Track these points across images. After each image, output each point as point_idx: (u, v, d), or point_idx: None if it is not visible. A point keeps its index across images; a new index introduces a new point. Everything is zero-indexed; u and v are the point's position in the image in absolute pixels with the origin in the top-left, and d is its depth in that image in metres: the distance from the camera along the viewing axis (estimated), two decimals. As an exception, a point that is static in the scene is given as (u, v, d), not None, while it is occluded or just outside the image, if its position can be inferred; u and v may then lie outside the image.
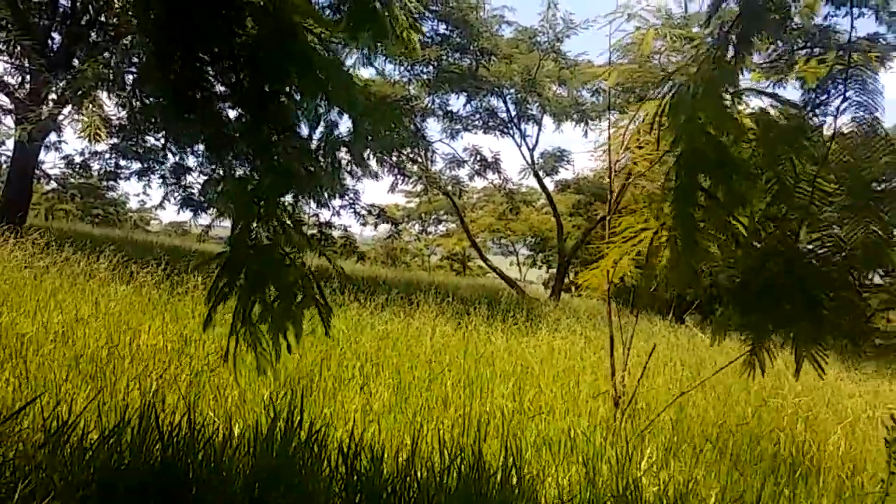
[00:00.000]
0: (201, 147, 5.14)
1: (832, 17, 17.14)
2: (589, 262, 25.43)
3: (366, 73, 15.58)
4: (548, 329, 10.78)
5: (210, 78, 3.10)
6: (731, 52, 2.63)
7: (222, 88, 3.18)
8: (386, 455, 3.92)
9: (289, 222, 2.98)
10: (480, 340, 8.43)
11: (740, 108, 2.70)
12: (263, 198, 3.04)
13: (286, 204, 3.16)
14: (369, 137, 3.39)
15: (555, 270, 29.64)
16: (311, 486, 3.52)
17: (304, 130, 3.40)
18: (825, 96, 2.31)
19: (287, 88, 3.51)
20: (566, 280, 21.96)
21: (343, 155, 3.77)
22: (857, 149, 2.45)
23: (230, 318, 2.82)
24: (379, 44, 3.26)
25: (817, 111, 2.63)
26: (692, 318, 20.46)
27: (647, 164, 5.88)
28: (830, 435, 5.67)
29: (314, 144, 3.48)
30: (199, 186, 16.64)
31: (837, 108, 2.34)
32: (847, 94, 2.39)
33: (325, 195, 3.17)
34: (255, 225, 2.83)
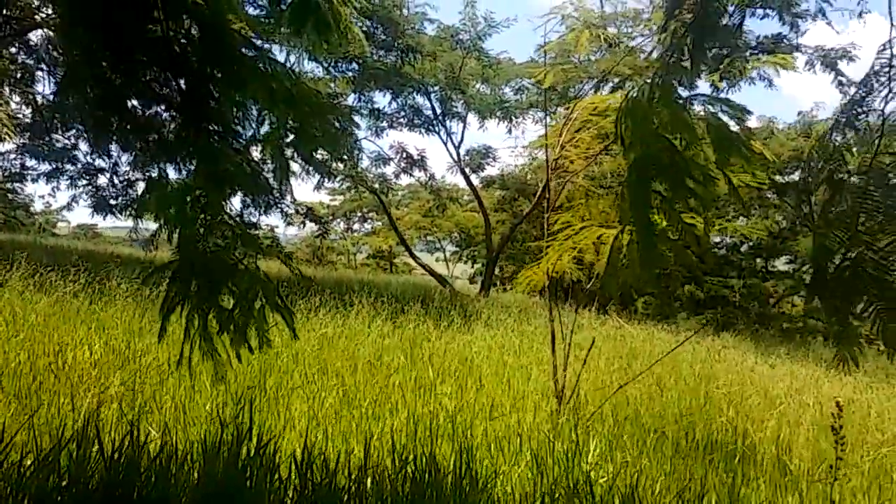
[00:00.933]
0: (125, 149, 4.90)
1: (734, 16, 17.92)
2: (515, 257, 25.76)
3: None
4: (482, 325, 10.86)
5: (144, 80, 2.94)
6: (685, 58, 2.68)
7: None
8: (338, 462, 3.84)
9: (238, 227, 2.86)
10: (419, 339, 8.39)
11: (696, 111, 2.76)
12: (207, 203, 2.91)
13: (230, 208, 3.04)
14: (317, 136, 3.30)
15: (480, 266, 29.95)
16: (263, 499, 3.40)
17: (247, 132, 3.29)
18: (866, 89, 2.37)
19: (225, 90, 3.38)
20: (493, 275, 22.21)
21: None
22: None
23: (173, 327, 2.69)
24: (324, 40, 3.15)
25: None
26: (614, 309, 21.12)
27: (581, 163, 5.99)
28: (761, 419, 5.93)
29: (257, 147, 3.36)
30: (113, 188, 15.87)
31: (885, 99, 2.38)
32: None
33: (272, 197, 3.05)
34: (202, 231, 2.70)
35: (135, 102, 3.38)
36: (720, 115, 2.54)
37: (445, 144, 19.43)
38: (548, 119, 10.51)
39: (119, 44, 2.96)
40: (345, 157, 16.80)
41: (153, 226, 3.50)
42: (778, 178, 22.78)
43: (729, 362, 9.73)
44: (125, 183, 15.12)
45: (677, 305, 24.20)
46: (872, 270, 2.10)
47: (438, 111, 18.93)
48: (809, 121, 20.70)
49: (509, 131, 18.97)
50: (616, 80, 14.68)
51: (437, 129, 19.21)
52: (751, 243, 25.60)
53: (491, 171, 23.02)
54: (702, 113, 2.60)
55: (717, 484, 4.34)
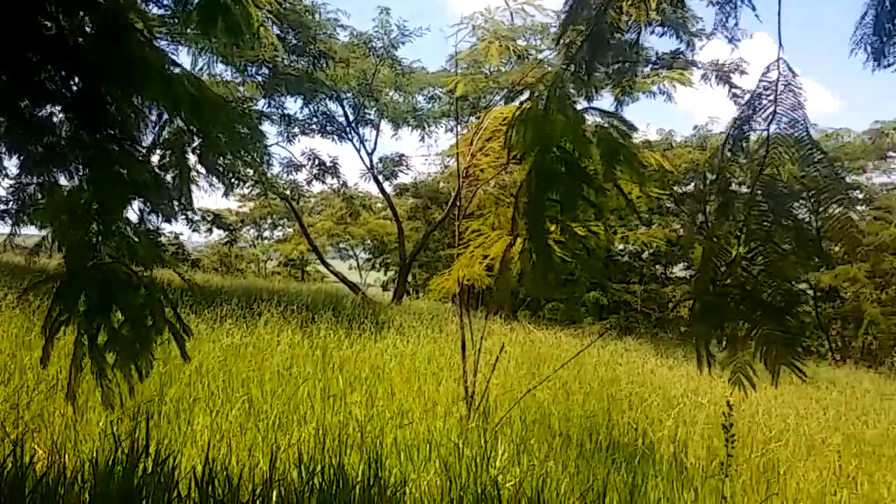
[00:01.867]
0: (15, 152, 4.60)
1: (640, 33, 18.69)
2: (428, 265, 25.87)
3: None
4: (394, 332, 10.84)
5: (37, 79, 2.78)
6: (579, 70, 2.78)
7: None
8: (242, 477, 3.74)
9: (134, 237, 2.75)
10: (329, 348, 8.28)
11: (588, 121, 2.86)
12: (101, 212, 2.77)
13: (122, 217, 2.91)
14: (223, 141, 3.21)
15: (393, 273, 29.89)
16: (162, 518, 3.26)
17: (147, 137, 3.17)
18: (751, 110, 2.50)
19: (123, 91, 3.25)
20: (406, 282, 22.21)
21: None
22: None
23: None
24: (235, 42, 3.08)
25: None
26: (523, 314, 21.56)
27: (491, 171, 6.10)
28: (660, 419, 6.19)
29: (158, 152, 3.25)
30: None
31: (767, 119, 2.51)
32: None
33: (176, 205, 2.95)
34: (94, 241, 2.57)
35: (26, 102, 3.19)
36: (610, 129, 2.65)
37: (358, 152, 19.31)
38: (459, 128, 10.65)
39: (7, 39, 2.79)
40: (254, 163, 16.41)
41: (34, 231, 3.31)
42: (676, 188, 23.98)
43: (631, 365, 10.12)
44: (14, 188, 14.14)
45: (583, 311, 24.97)
46: (754, 293, 2.23)
47: (351, 118, 18.80)
48: (705, 134, 21.85)
49: (422, 139, 19.08)
50: (527, 91, 15.04)
51: (349, 136, 19.07)
52: (651, 251, 26.72)
53: (404, 178, 23.07)
54: (594, 126, 2.71)
55: (618, 483, 4.51)
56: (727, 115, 25.96)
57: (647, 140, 23.32)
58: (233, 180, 18.03)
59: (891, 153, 19.59)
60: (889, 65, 2.83)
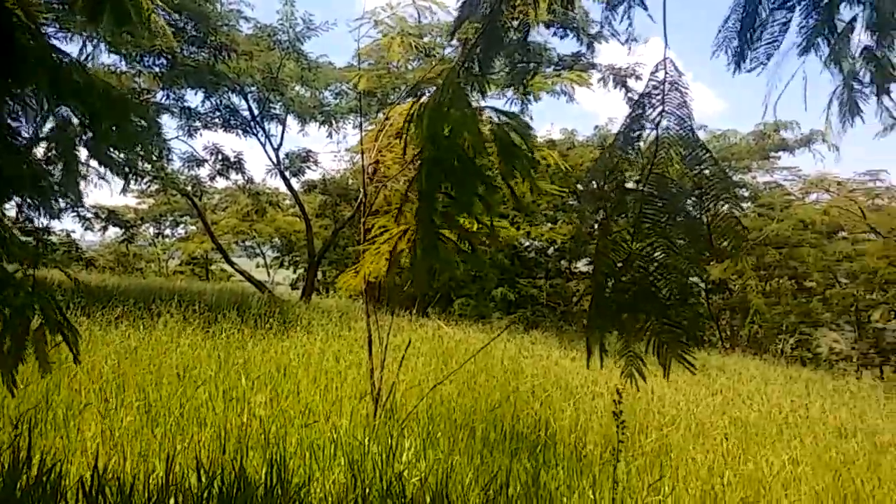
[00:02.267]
0: None
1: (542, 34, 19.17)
2: (338, 262, 25.61)
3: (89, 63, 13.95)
4: (302, 331, 10.69)
5: None
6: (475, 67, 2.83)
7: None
8: (135, 484, 3.59)
9: (8, 235, 2.59)
10: (233, 348, 8.07)
11: (484, 117, 2.92)
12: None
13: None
14: (116, 134, 3.07)
15: (303, 271, 29.40)
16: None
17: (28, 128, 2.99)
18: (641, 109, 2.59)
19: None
20: (316, 280, 21.92)
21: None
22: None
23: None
24: (125, 31, 2.95)
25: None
26: (434, 311, 21.72)
27: (397, 168, 6.12)
28: (561, 410, 6.40)
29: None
30: None
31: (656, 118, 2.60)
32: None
33: (66, 201, 2.80)
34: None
35: None
36: (506, 127, 2.72)
37: (264, 147, 18.84)
38: (367, 124, 10.60)
39: None
40: (151, 157, 15.71)
41: None
42: (580, 186, 24.80)
43: (536, 358, 10.39)
44: None
45: (492, 306, 25.41)
46: (649, 289, 2.34)
47: (256, 112, 18.32)
48: (605, 134, 22.67)
49: (330, 136, 18.81)
50: (432, 88, 15.13)
51: (255, 130, 18.57)
52: (557, 247, 27.51)
53: (312, 175, 22.68)
54: (491, 123, 2.77)
55: (520, 472, 4.63)
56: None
57: (550, 139, 23.96)
58: (130, 175, 17.22)
59: (773, 154, 21.00)
60: (751, 69, 3.03)
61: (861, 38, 3.07)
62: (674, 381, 9.80)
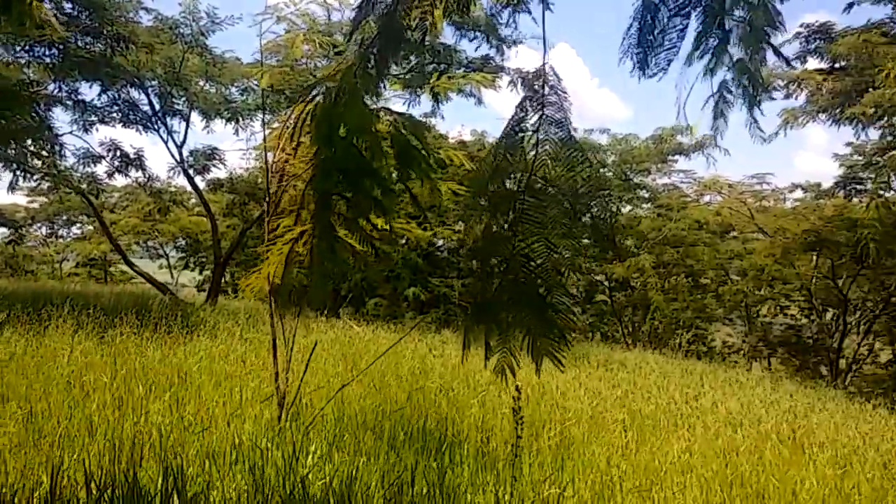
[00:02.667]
0: None
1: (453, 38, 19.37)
2: (246, 263, 24.99)
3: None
4: (206, 334, 10.36)
5: None
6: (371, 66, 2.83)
7: None
8: (17, 500, 3.40)
9: None
10: (130, 354, 7.72)
11: (382, 118, 2.93)
12: None
13: None
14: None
15: (209, 272, 28.48)
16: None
17: None
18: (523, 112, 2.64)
19: None
20: (223, 282, 21.30)
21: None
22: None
23: None
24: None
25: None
26: (346, 311, 21.55)
27: (302, 166, 6.02)
28: (468, 408, 6.49)
29: None
30: None
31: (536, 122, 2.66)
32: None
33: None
34: None
35: None
36: (403, 128, 2.74)
37: (166, 143, 18.10)
38: (276, 122, 10.39)
39: None
40: (42, 152, 14.83)
41: None
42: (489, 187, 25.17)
43: (446, 357, 10.48)
44: None
45: (405, 306, 25.45)
46: (526, 288, 2.42)
47: (158, 107, 17.58)
48: (515, 136, 23.14)
49: (237, 133, 18.27)
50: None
51: (156, 126, 17.82)
52: (468, 246, 27.77)
53: (219, 173, 21.99)
54: (388, 125, 2.78)
55: (426, 471, 4.68)
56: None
57: (461, 140, 24.25)
58: (18, 172, 16.19)
59: (670, 157, 22.06)
60: (652, 74, 3.17)
61: (735, 50, 3.28)
62: (577, 376, 10.13)
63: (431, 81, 15.55)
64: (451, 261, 27.86)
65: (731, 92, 3.27)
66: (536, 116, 2.51)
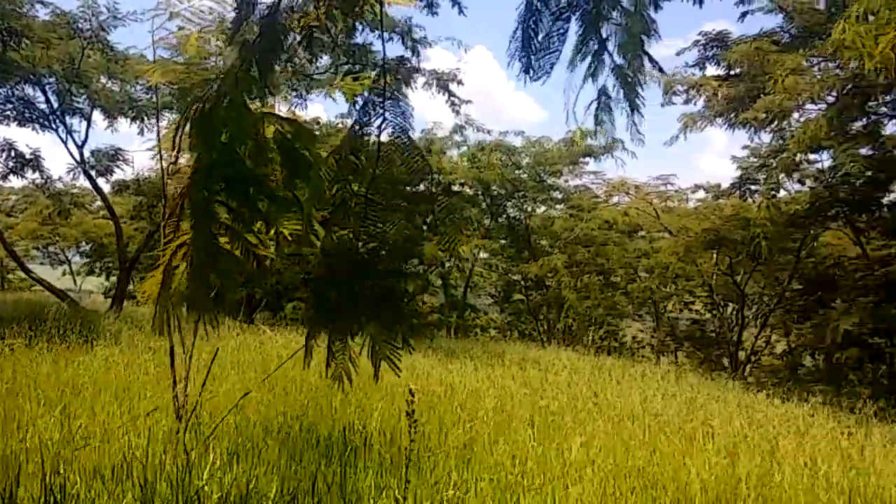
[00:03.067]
0: None
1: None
2: (154, 267, 24.01)
3: None
4: (106, 343, 9.93)
5: None
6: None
7: None
8: None
9: None
10: (21, 365, 7.31)
11: (268, 123, 2.89)
12: None
13: None
14: None
15: (115, 278, 27.25)
16: None
17: None
18: (367, 117, 2.64)
19: None
20: (129, 287, 20.44)
21: None
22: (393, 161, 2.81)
23: None
24: None
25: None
26: (262, 316, 21.08)
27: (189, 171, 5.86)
28: (376, 410, 6.48)
29: None
30: None
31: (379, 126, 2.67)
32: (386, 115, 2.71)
33: None
34: None
35: None
36: (289, 135, 2.71)
37: (65, 143, 17.21)
38: (172, 121, 10.03)
39: None
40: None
41: None
42: (408, 188, 25.20)
43: (357, 360, 10.43)
44: None
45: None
46: (366, 291, 2.44)
47: (56, 105, 16.69)
48: (431, 137, 23.25)
49: (141, 132, 17.55)
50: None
51: (54, 125, 16.93)
52: (388, 247, 27.68)
53: (125, 174, 21.08)
54: (274, 131, 2.75)
55: (329, 478, 4.64)
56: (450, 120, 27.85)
57: (380, 141, 24.08)
58: None
59: (581, 159, 22.72)
60: (537, 78, 3.24)
61: (616, 56, 3.40)
62: (490, 375, 10.30)
63: (336, 83, 15.42)
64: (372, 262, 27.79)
65: (610, 97, 3.40)
66: (379, 121, 2.54)
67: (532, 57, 3.12)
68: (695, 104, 15.99)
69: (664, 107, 16.58)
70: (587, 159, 23.05)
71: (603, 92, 3.35)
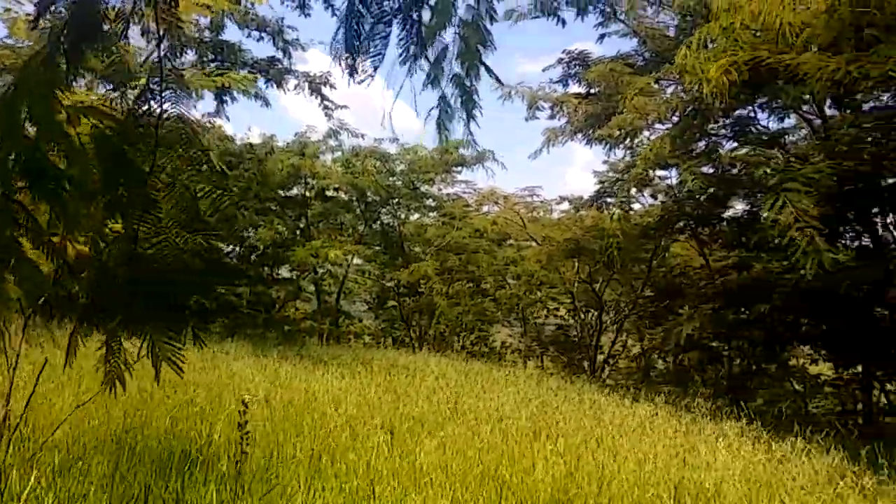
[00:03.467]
0: None
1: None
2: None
3: None
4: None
5: None
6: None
7: None
8: None
9: None
10: None
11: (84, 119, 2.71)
12: None
13: None
14: None
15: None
16: None
17: None
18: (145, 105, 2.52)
19: None
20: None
21: None
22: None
23: None
24: None
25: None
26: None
27: None
28: (219, 423, 6.23)
29: None
30: None
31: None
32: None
33: None
34: None
35: None
36: (109, 132, 2.55)
37: None
38: None
39: None
40: None
41: None
42: (280, 192, 24.66)
43: (220, 369, 10.05)
44: None
45: (187, 314, 23.94)
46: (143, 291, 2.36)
47: None
48: (305, 141, 22.87)
49: None
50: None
51: None
52: (258, 253, 26.97)
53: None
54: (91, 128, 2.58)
55: (163, 493, 4.41)
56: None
57: (249, 143, 23.43)
58: None
59: (454, 168, 23.19)
60: (361, 81, 3.24)
61: (454, 66, 3.47)
62: (354, 382, 10.23)
63: (188, 77, 14.87)
64: (239, 268, 26.82)
65: (450, 106, 3.46)
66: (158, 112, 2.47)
67: (356, 59, 3.12)
68: (558, 119, 16.75)
69: (528, 121, 17.21)
70: (459, 168, 23.55)
71: (443, 99, 3.41)
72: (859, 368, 14.84)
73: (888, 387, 14.79)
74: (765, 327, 14.04)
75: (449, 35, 3.30)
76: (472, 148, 21.84)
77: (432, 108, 3.40)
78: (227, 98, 18.93)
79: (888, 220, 14.58)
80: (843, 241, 14.90)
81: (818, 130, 14.22)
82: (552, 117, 16.89)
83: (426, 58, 3.24)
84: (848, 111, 13.66)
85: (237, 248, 26.65)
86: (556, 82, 17.00)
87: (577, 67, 16.33)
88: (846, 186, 12.10)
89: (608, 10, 15.30)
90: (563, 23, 14.80)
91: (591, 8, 14.85)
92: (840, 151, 12.21)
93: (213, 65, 18.37)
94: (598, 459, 6.55)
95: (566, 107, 15.70)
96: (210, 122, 22.52)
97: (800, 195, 9.05)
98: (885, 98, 13.05)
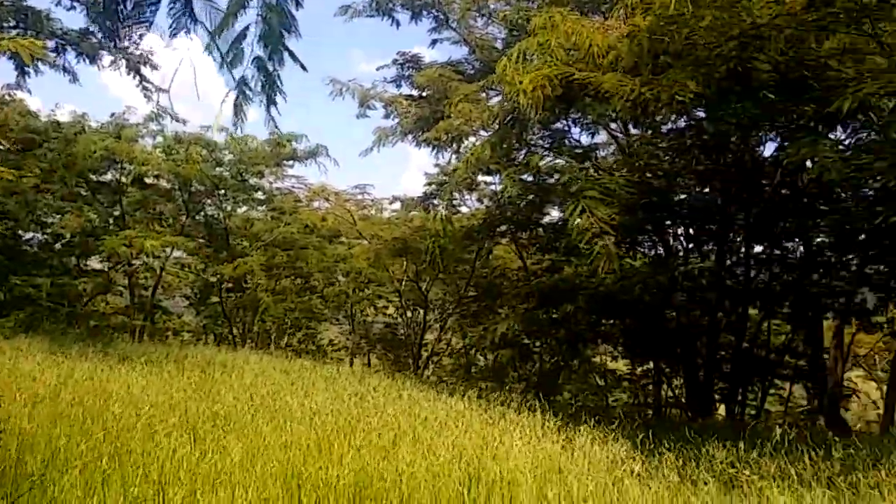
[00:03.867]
0: None
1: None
2: None
3: None
4: None
5: None
6: None
7: None
8: None
9: None
10: None
11: None
12: None
13: None
14: None
15: None
16: None
17: None
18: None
19: None
20: None
21: None
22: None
23: None
24: None
25: None
26: None
27: None
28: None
29: None
30: None
31: None
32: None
33: None
34: None
35: None
36: None
37: None
38: None
39: None
40: None
41: None
42: (92, 176, 22.74)
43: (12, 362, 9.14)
44: None
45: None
46: None
47: None
48: (122, 122, 21.28)
49: None
50: None
51: None
52: (64, 241, 24.80)
53: None
54: None
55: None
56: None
57: (56, 121, 21.45)
58: None
59: (286, 162, 22.69)
60: (126, 47, 3.10)
61: (256, 48, 3.41)
62: (162, 380, 9.71)
63: None
64: (40, 257, 24.42)
65: (250, 89, 3.41)
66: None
67: (120, 27, 3.01)
68: (393, 119, 16.95)
69: (359, 118, 17.26)
70: (291, 162, 23.06)
71: (243, 82, 3.36)
72: (651, 365, 16.50)
73: (674, 382, 16.59)
74: (570, 326, 15.15)
75: (252, 16, 3.25)
76: (304, 141, 21.50)
77: (229, 91, 3.34)
78: (31, 69, 17.17)
79: (679, 232, 16.34)
80: (642, 250, 16.48)
81: (623, 147, 15.59)
82: (387, 117, 17.07)
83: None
84: (649, 131, 15.11)
85: (38, 236, 24.25)
86: (390, 82, 17.21)
87: (411, 70, 16.62)
88: (644, 200, 13.36)
89: (441, 16, 15.73)
90: (398, 24, 15.04)
91: (424, 13, 15.22)
92: (640, 167, 13.48)
93: (13, 31, 16.57)
94: (405, 452, 6.72)
95: (398, 108, 15.92)
96: (10, 95, 20.27)
97: (597, 202, 9.85)
98: (681, 123, 14.55)
